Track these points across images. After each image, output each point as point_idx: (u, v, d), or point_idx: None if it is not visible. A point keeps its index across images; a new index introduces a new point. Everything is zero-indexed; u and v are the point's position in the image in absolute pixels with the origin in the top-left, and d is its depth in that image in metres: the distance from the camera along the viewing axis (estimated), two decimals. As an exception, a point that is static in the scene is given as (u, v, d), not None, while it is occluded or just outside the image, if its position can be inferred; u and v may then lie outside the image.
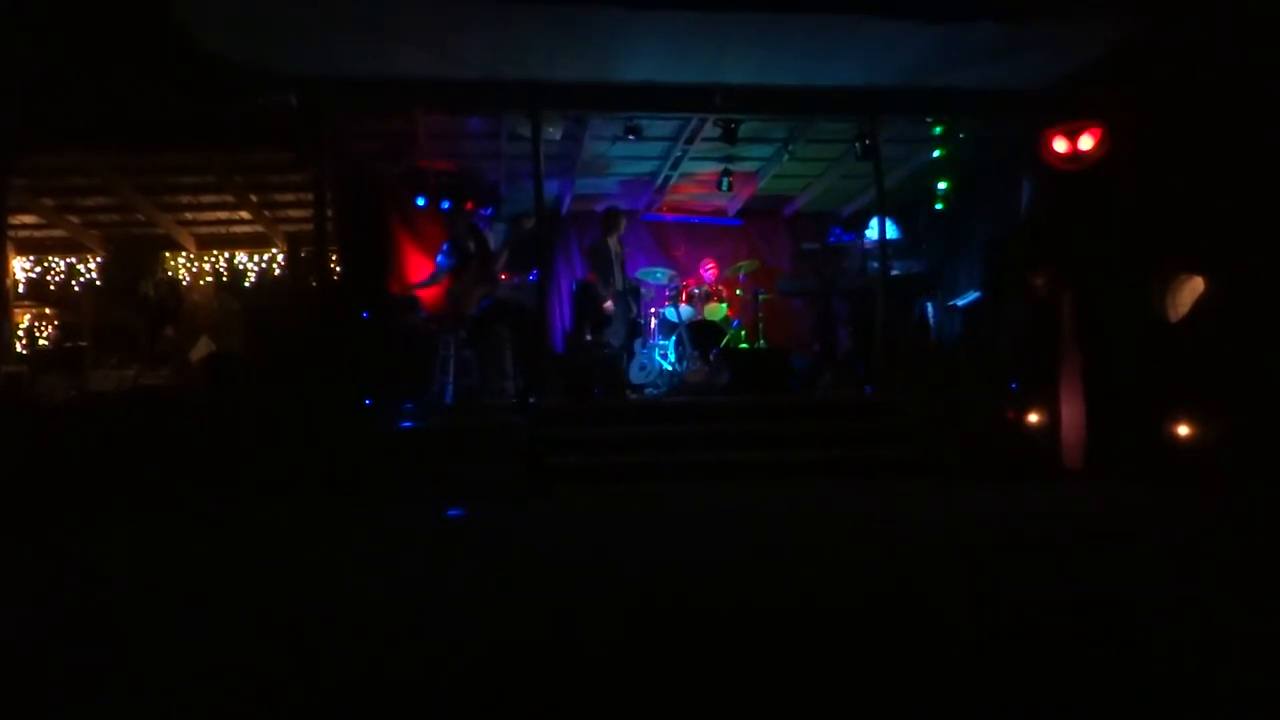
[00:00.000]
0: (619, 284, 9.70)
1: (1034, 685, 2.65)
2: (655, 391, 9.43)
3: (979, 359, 8.82)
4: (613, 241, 9.74)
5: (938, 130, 9.11)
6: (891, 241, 9.35)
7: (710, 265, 11.31)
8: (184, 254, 12.81)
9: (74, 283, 12.72)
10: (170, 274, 12.70)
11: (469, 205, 10.11)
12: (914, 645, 3.02)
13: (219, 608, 3.79)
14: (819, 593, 3.74)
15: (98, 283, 12.64)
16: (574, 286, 11.51)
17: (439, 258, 9.13)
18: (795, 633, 3.19)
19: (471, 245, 9.02)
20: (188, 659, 3.09)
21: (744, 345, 10.59)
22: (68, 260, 12.72)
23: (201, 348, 10.06)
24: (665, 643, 3.10)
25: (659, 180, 10.94)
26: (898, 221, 10.02)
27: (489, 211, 10.83)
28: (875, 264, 9.14)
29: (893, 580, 3.93)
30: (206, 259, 12.91)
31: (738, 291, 11.05)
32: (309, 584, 4.18)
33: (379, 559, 4.73)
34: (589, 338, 9.06)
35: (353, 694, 2.70)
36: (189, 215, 12.12)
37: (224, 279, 12.86)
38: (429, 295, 9.30)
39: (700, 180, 10.97)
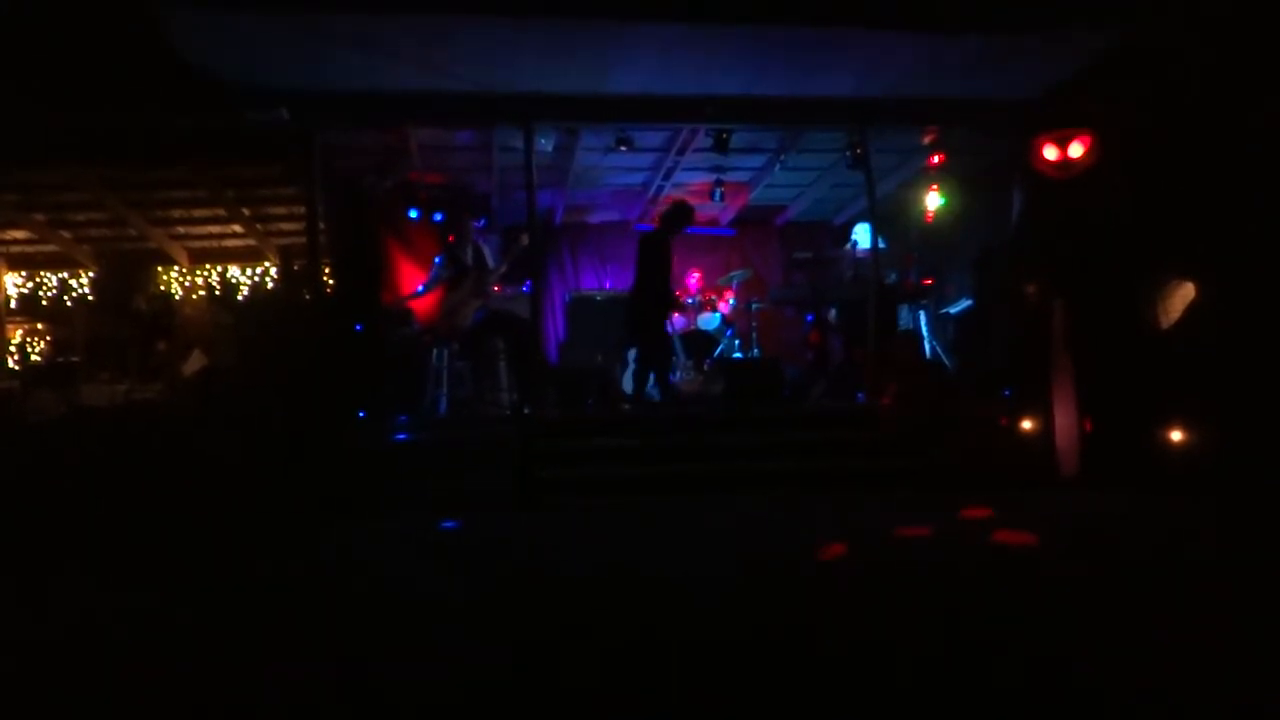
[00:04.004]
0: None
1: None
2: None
3: (971, 367, 8.83)
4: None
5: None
6: (882, 250, 9.36)
7: (695, 275, 11.31)
8: (176, 268, 12.80)
9: (66, 298, 12.69)
10: (163, 288, 12.68)
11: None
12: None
13: (220, 616, 3.79)
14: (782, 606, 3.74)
15: (90, 298, 12.62)
16: (567, 298, 11.54)
17: (434, 268, 9.11)
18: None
19: (469, 257, 9.01)
20: (193, 668, 3.08)
21: (737, 354, 10.60)
22: (60, 275, 12.70)
23: (194, 362, 10.02)
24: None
25: (651, 191, 10.96)
26: (884, 231, 10.02)
27: (481, 223, 10.83)
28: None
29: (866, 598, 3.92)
30: (199, 273, 12.90)
31: (730, 301, 11.06)
32: (298, 595, 4.17)
33: (372, 571, 4.71)
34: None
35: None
36: (181, 229, 12.11)
37: (216, 293, 12.84)
38: (423, 308, 9.28)
39: (692, 191, 10.98)
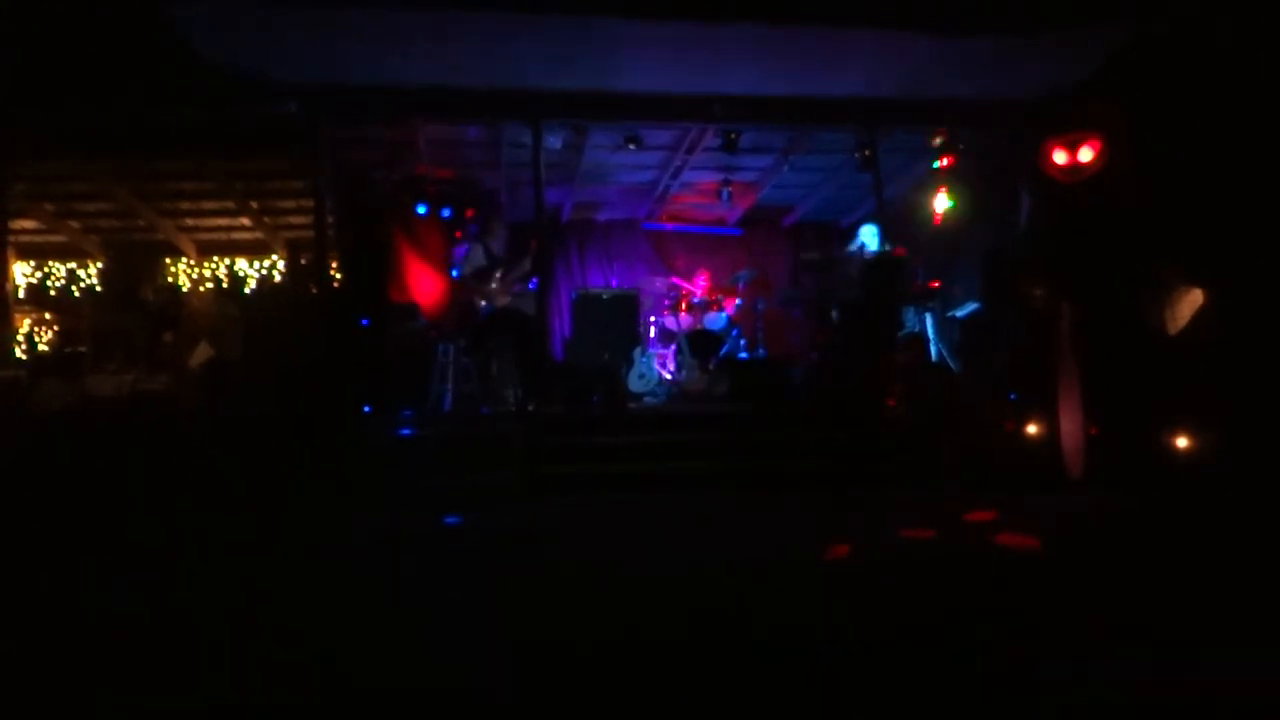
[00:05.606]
0: None
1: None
2: (654, 400, 9.43)
3: (977, 370, 8.81)
4: None
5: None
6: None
7: (702, 275, 11.29)
8: (184, 260, 12.83)
9: (74, 288, 12.73)
10: (170, 280, 12.71)
11: (469, 213, 10.12)
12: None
13: (228, 612, 3.79)
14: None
15: (98, 288, 12.65)
16: (573, 295, 11.52)
17: (459, 253, 9.07)
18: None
19: (497, 249, 8.98)
20: (201, 666, 3.08)
21: (743, 354, 10.59)
22: (68, 265, 12.74)
23: (201, 354, 10.03)
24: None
25: (659, 189, 10.96)
26: (891, 233, 10.01)
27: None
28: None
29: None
30: (207, 265, 12.92)
31: (737, 301, 11.05)
32: (306, 588, 4.18)
33: (376, 566, 4.72)
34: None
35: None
36: (189, 221, 12.13)
37: (224, 285, 12.87)
38: (433, 301, 9.29)
39: (700, 190, 10.99)
